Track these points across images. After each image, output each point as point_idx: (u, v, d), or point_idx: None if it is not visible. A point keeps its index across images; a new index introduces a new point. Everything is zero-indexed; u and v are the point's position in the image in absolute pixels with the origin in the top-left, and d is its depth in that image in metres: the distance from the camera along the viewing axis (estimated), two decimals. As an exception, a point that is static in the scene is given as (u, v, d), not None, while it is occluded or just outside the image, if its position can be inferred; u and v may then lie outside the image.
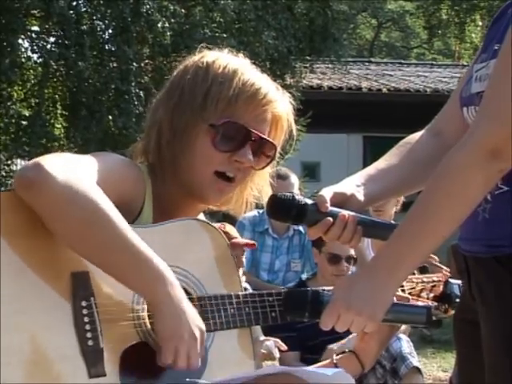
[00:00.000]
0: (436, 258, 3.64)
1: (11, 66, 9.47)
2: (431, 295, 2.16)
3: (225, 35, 10.24)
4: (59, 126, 10.90)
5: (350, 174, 2.07)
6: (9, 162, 10.68)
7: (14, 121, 10.44)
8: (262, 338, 3.98)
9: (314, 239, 2.17)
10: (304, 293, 1.94)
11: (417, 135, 2.16)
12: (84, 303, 1.78)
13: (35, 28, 10.77)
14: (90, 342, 1.76)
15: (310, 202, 1.97)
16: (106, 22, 10.31)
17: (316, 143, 13.42)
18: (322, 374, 1.89)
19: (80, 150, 9.15)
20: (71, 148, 9.95)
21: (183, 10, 10.38)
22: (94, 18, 10.28)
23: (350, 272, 4.44)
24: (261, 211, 5.48)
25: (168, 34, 9.88)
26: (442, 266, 4.48)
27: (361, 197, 2.01)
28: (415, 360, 4.27)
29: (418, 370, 4.27)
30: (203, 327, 1.82)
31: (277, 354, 3.98)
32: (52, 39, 10.34)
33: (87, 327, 1.77)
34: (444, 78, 17.39)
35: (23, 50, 10.38)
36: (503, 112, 1.77)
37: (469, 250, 1.98)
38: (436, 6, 23.92)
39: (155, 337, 1.82)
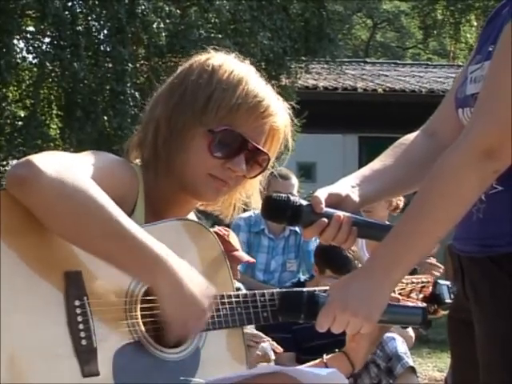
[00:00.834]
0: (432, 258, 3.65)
1: (6, 66, 9.46)
2: (420, 296, 2.15)
3: (220, 36, 10.25)
4: (54, 126, 10.89)
5: (346, 174, 2.07)
6: (4, 163, 10.66)
7: (9, 121, 10.44)
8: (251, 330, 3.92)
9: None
10: (299, 294, 1.93)
11: (412, 136, 2.15)
12: (77, 302, 1.78)
13: (30, 29, 10.77)
14: (84, 342, 1.77)
15: (304, 203, 1.96)
16: (101, 22, 10.31)
17: (312, 144, 13.38)
18: (316, 373, 1.89)
19: (75, 150, 9.09)
20: (66, 148, 9.91)
21: (178, 11, 10.39)
22: (89, 18, 10.28)
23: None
24: (256, 211, 5.47)
25: (163, 34, 9.88)
26: (438, 264, 4.50)
27: (356, 197, 2.01)
28: (411, 360, 4.28)
29: (413, 370, 4.28)
30: (211, 291, 1.86)
31: (272, 356, 3.97)
32: (47, 40, 10.33)
33: (80, 326, 1.77)
34: (439, 78, 17.39)
35: (18, 50, 10.38)
36: (498, 113, 1.77)
37: (463, 250, 1.98)
38: (431, 6, 23.95)
39: (162, 317, 1.84)
